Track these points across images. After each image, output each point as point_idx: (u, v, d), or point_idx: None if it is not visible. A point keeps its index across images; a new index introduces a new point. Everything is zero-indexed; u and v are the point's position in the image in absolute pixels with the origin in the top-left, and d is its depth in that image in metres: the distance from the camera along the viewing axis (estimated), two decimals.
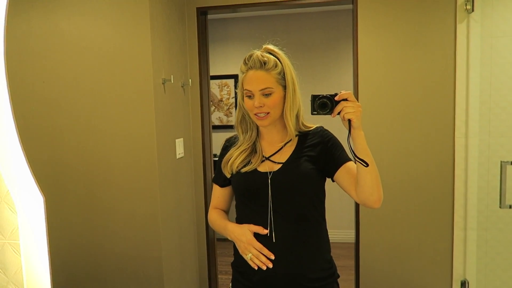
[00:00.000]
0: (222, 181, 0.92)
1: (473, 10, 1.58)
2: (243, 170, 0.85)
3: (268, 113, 0.83)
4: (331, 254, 0.89)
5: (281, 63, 0.85)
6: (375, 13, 1.64)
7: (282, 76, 0.84)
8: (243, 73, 0.86)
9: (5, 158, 0.75)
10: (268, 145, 0.88)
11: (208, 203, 1.90)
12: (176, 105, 1.69)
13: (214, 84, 3.05)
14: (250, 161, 0.86)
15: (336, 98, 0.76)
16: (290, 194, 0.82)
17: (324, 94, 0.78)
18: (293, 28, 2.90)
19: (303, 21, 2.89)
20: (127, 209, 1.47)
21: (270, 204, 0.80)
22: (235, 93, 3.08)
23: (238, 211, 0.90)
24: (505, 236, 1.59)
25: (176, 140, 1.68)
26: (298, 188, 0.83)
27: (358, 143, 0.75)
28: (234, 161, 0.86)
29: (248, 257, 0.80)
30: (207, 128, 1.94)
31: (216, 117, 3.14)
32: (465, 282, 1.65)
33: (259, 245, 0.83)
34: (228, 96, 3.16)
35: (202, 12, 1.86)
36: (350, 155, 0.80)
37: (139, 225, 1.48)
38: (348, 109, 0.76)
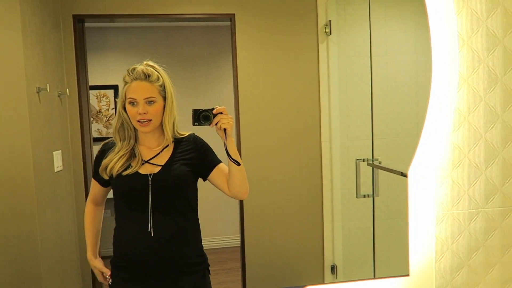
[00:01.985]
0: (102, 181, 1.02)
1: (330, 33, 2.00)
2: (125, 173, 0.95)
3: (150, 120, 0.98)
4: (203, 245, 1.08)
5: (161, 77, 1.01)
6: (251, 32, 1.94)
7: (163, 88, 0.99)
8: (127, 83, 0.99)
9: None
10: (146, 150, 1.00)
11: None
12: (52, 115, 1.66)
13: (92, 94, 3.03)
14: (130, 164, 0.96)
15: (214, 112, 0.94)
16: (169, 193, 0.95)
17: (204, 108, 0.96)
18: (175, 41, 3.09)
19: (184, 34, 3.10)
20: (2, 230, 1.44)
21: (150, 202, 0.92)
22: (115, 104, 3.11)
23: (117, 210, 1.00)
24: (362, 223, 2.03)
25: (54, 153, 1.69)
26: (176, 188, 0.95)
27: (231, 147, 0.92)
28: (114, 165, 0.96)
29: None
30: (88, 139, 1.97)
31: (95, 129, 3.11)
32: (334, 266, 2.03)
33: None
34: (107, 107, 3.14)
35: (79, 20, 1.91)
36: (223, 158, 0.99)
37: (16, 246, 1.40)
38: (223, 120, 0.94)
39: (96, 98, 3.26)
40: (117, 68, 3.31)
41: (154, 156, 1.00)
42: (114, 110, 3.25)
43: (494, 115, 0.88)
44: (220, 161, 1.04)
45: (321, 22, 2.03)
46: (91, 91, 3.17)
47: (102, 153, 1.05)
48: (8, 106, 1.39)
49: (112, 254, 1.03)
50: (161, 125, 1.00)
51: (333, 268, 1.97)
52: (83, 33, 2.02)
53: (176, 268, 0.98)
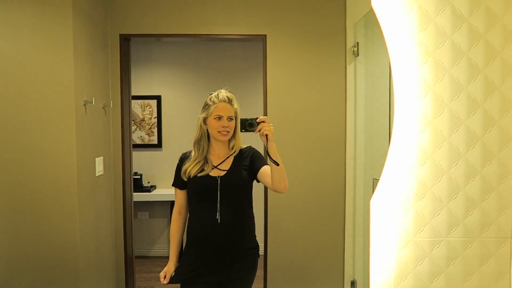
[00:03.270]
0: (180, 184, 1.27)
1: (358, 55, 2.11)
2: (199, 175, 1.21)
3: (228, 132, 1.25)
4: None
5: (236, 103, 1.28)
6: (281, 51, 2.06)
7: (236, 111, 1.23)
8: (214, 103, 1.25)
9: None
10: (215, 158, 1.26)
11: (127, 219, 2.20)
12: (97, 125, 1.82)
13: (136, 104, 3.35)
14: (203, 169, 1.22)
15: (258, 120, 1.13)
16: (232, 191, 1.21)
17: (250, 118, 1.17)
18: (215, 55, 3.32)
19: (223, 49, 3.32)
20: (46, 225, 1.55)
21: (218, 197, 1.18)
22: (158, 113, 3.41)
23: (191, 205, 1.26)
24: None
25: (96, 159, 1.95)
26: (238, 187, 1.21)
27: (271, 150, 1.12)
28: (191, 169, 1.22)
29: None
30: (128, 146, 2.23)
31: (138, 136, 3.43)
32: (354, 281, 2.13)
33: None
34: (150, 116, 3.46)
35: (125, 39, 2.20)
36: (267, 160, 1.18)
37: (57, 241, 1.56)
38: (265, 127, 1.14)
39: (141, 107, 3.57)
40: (161, 79, 3.61)
41: (221, 162, 1.29)
42: (156, 118, 3.54)
43: (458, 153, 0.99)
44: (264, 164, 1.29)
45: (350, 43, 2.12)
46: (136, 101, 3.50)
47: (181, 161, 1.34)
48: (58, 116, 1.57)
49: (186, 238, 1.33)
50: (230, 139, 1.29)
51: (353, 284, 2.00)
52: (128, 50, 2.30)
53: (235, 250, 1.25)
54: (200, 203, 1.23)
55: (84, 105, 1.67)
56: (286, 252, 1.98)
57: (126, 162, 2.02)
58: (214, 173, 1.23)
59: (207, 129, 1.25)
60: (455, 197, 0.90)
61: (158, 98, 3.42)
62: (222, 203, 1.19)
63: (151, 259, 3.04)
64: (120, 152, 1.99)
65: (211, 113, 1.22)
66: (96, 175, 1.80)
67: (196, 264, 1.21)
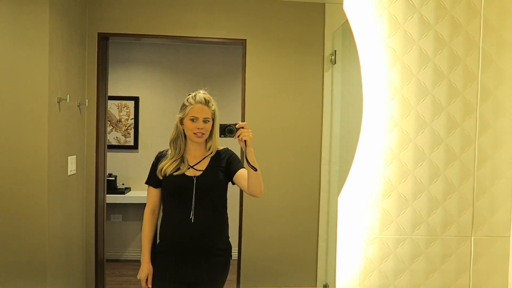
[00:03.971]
0: (155, 182, 1.27)
1: (335, 62, 2.17)
2: (175, 173, 1.22)
3: (203, 134, 1.26)
4: None
5: (214, 104, 1.30)
6: (261, 56, 2.12)
7: (214, 112, 1.27)
8: (191, 104, 1.27)
9: None
10: (191, 158, 1.28)
11: (98, 221, 2.18)
12: (70, 123, 1.80)
13: (113, 104, 3.32)
14: (179, 168, 1.23)
15: (237, 126, 1.16)
16: (208, 191, 1.22)
17: (229, 123, 1.19)
18: (195, 59, 3.34)
19: (203, 53, 3.36)
20: (14, 225, 1.52)
21: (193, 197, 1.19)
22: (135, 115, 3.39)
23: (164, 204, 1.26)
24: None
25: (69, 157, 1.93)
26: (213, 188, 1.23)
27: (250, 156, 1.14)
28: (167, 168, 1.23)
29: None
30: (102, 146, 2.22)
31: (114, 136, 3.40)
32: (326, 285, 2.16)
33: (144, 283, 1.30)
34: (127, 117, 3.43)
35: (104, 37, 2.19)
36: (245, 164, 1.21)
37: (25, 242, 1.53)
38: (244, 133, 1.17)
39: (117, 108, 3.54)
40: (140, 81, 3.60)
41: (197, 163, 1.29)
42: (133, 120, 3.51)
43: (423, 154, 1.04)
44: (241, 167, 1.31)
45: (327, 51, 2.19)
46: (112, 101, 3.46)
47: (158, 160, 1.34)
48: (30, 113, 1.55)
49: (158, 240, 1.32)
50: (206, 139, 1.30)
51: (325, 287, 2.05)
52: (106, 49, 2.28)
53: (208, 250, 1.26)
54: (174, 203, 1.24)
55: (58, 102, 1.66)
56: (260, 256, 2.00)
57: (100, 162, 2.01)
58: (190, 172, 1.24)
59: (183, 129, 1.25)
60: (419, 197, 0.95)
61: (136, 99, 3.41)
62: (196, 203, 1.20)
63: (122, 263, 3.00)
64: (94, 152, 1.97)
65: (187, 114, 1.24)
66: (68, 174, 1.78)
67: (169, 265, 1.22)
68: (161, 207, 1.32)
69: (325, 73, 2.20)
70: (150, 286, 1.23)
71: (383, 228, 0.95)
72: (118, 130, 3.42)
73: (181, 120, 1.27)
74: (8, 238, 1.54)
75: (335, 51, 2.14)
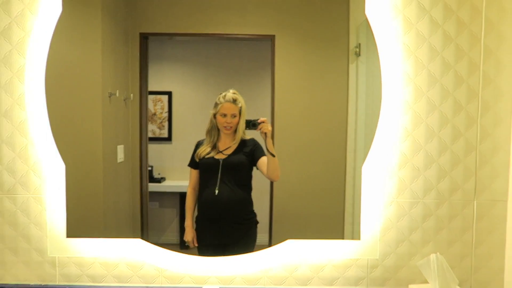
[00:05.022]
0: (194, 164, 1.59)
1: (360, 55, 2.38)
2: (207, 156, 1.54)
3: (231, 127, 1.57)
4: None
5: (241, 102, 1.57)
6: (289, 51, 2.16)
7: (240, 109, 1.56)
8: (221, 103, 1.60)
9: (37, 137, 1.26)
10: (222, 145, 1.58)
11: (143, 206, 2.43)
12: (118, 115, 2.06)
13: (148, 99, 3.64)
14: (210, 152, 1.54)
15: (259, 121, 1.48)
16: (231, 171, 1.51)
17: (253, 119, 1.53)
18: (224, 54, 3.55)
19: (232, 48, 3.60)
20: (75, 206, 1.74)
21: (219, 176, 1.50)
22: (169, 108, 3.67)
23: (201, 182, 1.57)
24: None
25: (118, 146, 2.06)
26: (236, 168, 1.52)
27: (269, 145, 1.44)
28: (202, 152, 1.54)
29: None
30: (145, 137, 2.46)
31: (150, 129, 3.71)
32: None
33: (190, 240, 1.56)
34: (161, 111, 3.70)
35: (144, 37, 2.46)
36: (266, 152, 1.48)
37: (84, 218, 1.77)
38: (265, 127, 1.50)
39: (152, 102, 3.83)
40: (173, 76, 3.87)
41: (225, 148, 1.60)
42: (167, 113, 3.78)
43: (432, 132, 1.29)
44: (263, 155, 1.60)
45: (352, 44, 2.39)
46: (148, 96, 3.74)
47: (197, 146, 1.67)
48: (86, 106, 1.82)
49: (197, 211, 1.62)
50: (235, 131, 1.60)
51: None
52: (146, 48, 2.56)
53: (231, 219, 1.55)
54: (206, 180, 1.56)
55: (109, 96, 1.93)
56: (290, 216, 2.09)
57: (143, 152, 2.24)
58: (218, 156, 1.55)
59: (216, 123, 1.59)
60: (430, 167, 1.21)
61: (169, 94, 3.70)
62: (221, 181, 1.50)
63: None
64: (138, 143, 2.20)
65: (219, 110, 1.57)
66: (118, 162, 2.03)
67: (205, 230, 1.54)
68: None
69: (350, 65, 2.39)
70: (197, 245, 1.54)
71: (399, 193, 1.22)
72: (153, 123, 3.69)
73: (214, 115, 1.58)
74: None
75: (360, 44, 2.32)
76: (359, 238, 1.23)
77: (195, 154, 1.61)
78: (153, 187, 3.30)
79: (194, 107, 3.55)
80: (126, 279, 1.28)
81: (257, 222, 1.56)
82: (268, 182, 1.94)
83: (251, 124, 1.51)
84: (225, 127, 1.55)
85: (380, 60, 1.19)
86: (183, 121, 3.59)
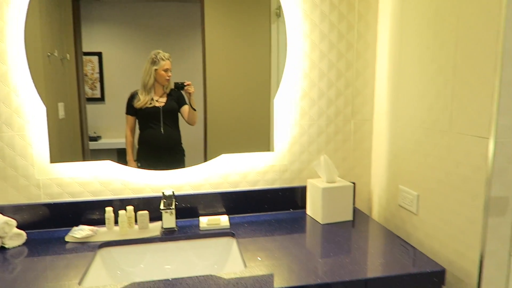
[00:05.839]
0: (132, 112, 1.87)
1: (280, 16, 2.89)
2: (149, 106, 1.83)
3: (169, 80, 1.88)
4: None
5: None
6: (218, 11, 2.44)
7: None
8: (163, 59, 1.91)
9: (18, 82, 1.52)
10: (157, 95, 1.89)
11: (85, 157, 2.32)
12: (57, 75, 2.24)
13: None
14: (151, 102, 1.85)
15: (185, 83, 1.82)
16: (169, 115, 1.84)
17: (181, 82, 1.88)
18: (153, 14, 3.80)
19: (162, 7, 3.86)
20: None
21: (161, 120, 1.81)
22: (100, 69, 3.95)
23: (142, 125, 1.86)
24: None
25: (59, 104, 2.22)
26: (172, 113, 1.83)
27: (192, 102, 1.78)
28: (142, 102, 1.83)
29: None
30: (83, 96, 2.45)
31: None
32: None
33: None
34: (92, 72, 3.96)
35: None
36: (189, 107, 1.81)
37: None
38: (190, 89, 1.83)
39: (83, 64, 4.09)
40: (102, 37, 4.08)
41: (160, 97, 1.96)
42: (98, 74, 4.04)
43: (323, 73, 1.94)
44: (185, 104, 1.99)
45: (273, 6, 2.86)
46: None
47: (132, 96, 1.99)
48: (32, 65, 2.03)
49: (137, 146, 1.95)
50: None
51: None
52: (78, 9, 2.84)
53: (171, 148, 1.93)
54: (149, 124, 1.92)
55: (48, 56, 2.14)
56: (223, 134, 2.51)
57: (82, 110, 2.41)
58: (157, 104, 1.92)
59: (155, 77, 1.93)
60: (321, 98, 1.86)
61: (99, 55, 3.97)
62: (164, 123, 1.89)
63: None
64: (77, 101, 2.40)
65: (162, 66, 1.91)
66: (60, 118, 2.22)
67: (148, 157, 1.91)
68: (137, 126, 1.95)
69: (272, 25, 2.83)
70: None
71: (301, 118, 1.84)
72: (85, 84, 3.99)
73: (155, 70, 1.93)
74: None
75: (280, 6, 2.85)
76: (273, 151, 1.79)
77: (136, 104, 1.90)
78: (89, 145, 3.65)
79: (124, 67, 3.77)
80: (99, 193, 1.68)
81: (184, 153, 1.98)
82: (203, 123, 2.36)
83: (180, 86, 1.90)
84: (166, 79, 1.92)
85: (286, 22, 1.77)
86: (114, 81, 3.85)
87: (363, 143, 1.85)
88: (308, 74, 1.72)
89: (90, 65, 3.42)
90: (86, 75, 3.26)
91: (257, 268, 1.24)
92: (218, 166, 1.75)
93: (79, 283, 1.19)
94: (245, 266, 1.26)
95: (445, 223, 1.33)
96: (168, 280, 1.18)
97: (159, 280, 1.18)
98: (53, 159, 1.69)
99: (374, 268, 1.22)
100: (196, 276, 1.18)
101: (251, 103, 2.02)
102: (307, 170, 1.81)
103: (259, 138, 1.85)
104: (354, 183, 1.79)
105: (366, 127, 1.84)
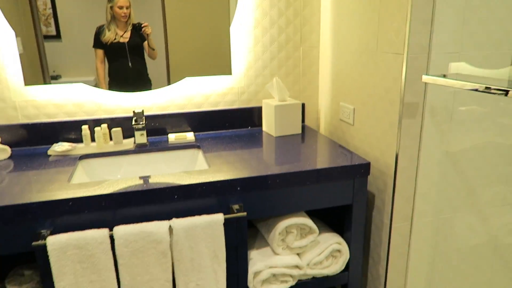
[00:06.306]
0: (99, 46, 1.96)
1: None
2: (114, 41, 1.94)
3: (127, 16, 1.96)
4: None
5: None
6: None
7: (129, 1, 1.93)
8: None
9: None
10: (120, 31, 1.99)
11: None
12: (12, 9, 2.22)
13: None
14: (115, 38, 1.94)
15: (143, 25, 1.93)
16: (135, 49, 1.95)
17: (139, 22, 1.97)
18: None
19: None
20: None
21: (127, 53, 1.94)
22: (52, 5, 3.95)
23: (110, 59, 1.98)
24: None
25: (16, 38, 2.18)
26: (137, 48, 1.96)
27: (150, 42, 1.92)
28: (107, 38, 1.93)
29: None
30: (39, 31, 2.37)
31: None
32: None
33: None
34: (44, 7, 4.01)
35: None
36: (147, 46, 1.93)
37: None
38: (147, 29, 1.93)
39: None
40: None
41: (124, 33, 2.06)
42: (51, 9, 4.08)
43: (274, 4, 2.06)
44: (145, 40, 2.11)
45: None
46: None
47: (98, 31, 2.03)
48: None
49: (108, 78, 2.06)
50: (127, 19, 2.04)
51: None
52: None
53: (139, 77, 2.07)
54: (117, 58, 2.02)
55: None
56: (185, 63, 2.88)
57: (40, 47, 2.35)
58: (121, 40, 2.02)
59: (113, 13, 1.99)
60: (273, 27, 2.04)
61: None
62: (130, 57, 2.01)
63: None
64: (34, 37, 2.31)
65: (116, 3, 1.97)
66: (19, 53, 2.20)
67: (118, 85, 2.03)
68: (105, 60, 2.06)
69: None
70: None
71: (255, 44, 2.02)
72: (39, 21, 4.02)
73: (112, 8, 1.99)
74: None
75: None
76: (232, 74, 1.99)
77: (102, 40, 1.98)
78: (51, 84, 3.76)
79: (79, 3, 3.98)
80: (74, 114, 1.85)
81: (151, 82, 2.11)
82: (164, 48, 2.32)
83: (137, 28, 2.00)
84: (122, 16, 1.99)
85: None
86: (69, 17, 4.00)
87: (311, 68, 2.10)
88: (260, 4, 1.92)
89: (42, 0, 3.44)
90: (38, 11, 3.37)
91: (220, 166, 1.51)
92: (182, 89, 1.95)
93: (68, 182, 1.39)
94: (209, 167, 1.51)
95: (373, 129, 1.64)
96: (147, 176, 1.42)
97: (140, 177, 1.41)
98: (27, 82, 1.81)
99: (318, 163, 1.52)
100: (169, 173, 1.45)
101: (211, 32, 2.11)
102: (262, 92, 2.05)
103: (219, 64, 2.03)
104: (303, 104, 2.07)
105: (313, 53, 2.08)
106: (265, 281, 1.54)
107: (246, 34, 1.96)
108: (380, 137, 1.60)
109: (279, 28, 1.99)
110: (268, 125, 1.96)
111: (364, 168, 1.53)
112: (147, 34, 1.99)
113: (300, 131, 1.96)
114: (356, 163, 1.52)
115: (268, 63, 2.03)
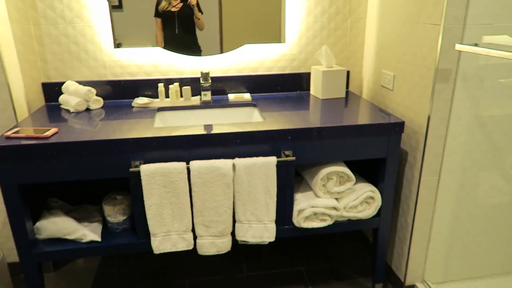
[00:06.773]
0: (157, 15, 2.17)
1: None
2: (166, 10, 2.15)
3: None
4: None
5: None
6: None
7: None
8: None
9: None
10: (174, 1, 2.18)
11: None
12: None
13: None
14: (168, 7, 2.16)
15: None
16: (184, 17, 2.16)
17: None
18: None
19: None
20: None
21: (176, 20, 2.16)
22: None
23: (164, 24, 2.20)
24: None
25: None
26: (187, 14, 2.16)
27: (196, 13, 2.13)
28: (162, 7, 2.14)
29: None
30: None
31: None
32: None
33: None
34: None
35: None
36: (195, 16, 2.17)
37: None
38: (191, 1, 2.10)
39: None
40: None
41: (176, 3, 2.24)
42: None
43: None
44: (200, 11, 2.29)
45: None
46: None
47: (158, 2, 2.24)
48: None
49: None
50: None
51: None
52: None
53: (189, 47, 2.27)
54: (168, 26, 2.22)
55: None
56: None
57: (111, 15, 2.71)
58: (173, 9, 2.20)
59: None
60: (324, 15, 2.35)
61: None
62: (178, 23, 2.20)
63: None
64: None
65: None
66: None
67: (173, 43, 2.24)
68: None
69: None
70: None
71: (307, 15, 2.24)
72: None
73: None
74: None
75: None
76: (285, 42, 2.22)
77: (158, 7, 2.17)
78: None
79: None
80: (151, 74, 2.17)
81: (200, 48, 2.28)
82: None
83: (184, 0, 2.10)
84: None
85: None
86: None
87: (357, 38, 2.29)
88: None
89: None
90: None
91: (274, 120, 1.77)
92: (240, 54, 2.20)
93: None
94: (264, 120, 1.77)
95: (410, 94, 1.82)
96: (216, 124, 1.72)
97: (210, 125, 1.72)
98: (116, 46, 2.09)
99: (358, 120, 1.75)
100: (233, 123, 1.73)
101: (265, 2, 2.19)
102: (311, 59, 2.28)
103: (271, 33, 2.24)
104: (348, 71, 2.27)
105: (360, 25, 2.26)
106: (307, 218, 1.80)
107: (299, 5, 2.16)
108: (415, 100, 1.79)
109: (330, 1, 2.18)
110: (316, 88, 2.20)
111: (398, 126, 1.73)
112: (193, 5, 2.16)
113: (344, 95, 2.18)
114: (392, 122, 1.72)
115: (318, 32, 2.24)
